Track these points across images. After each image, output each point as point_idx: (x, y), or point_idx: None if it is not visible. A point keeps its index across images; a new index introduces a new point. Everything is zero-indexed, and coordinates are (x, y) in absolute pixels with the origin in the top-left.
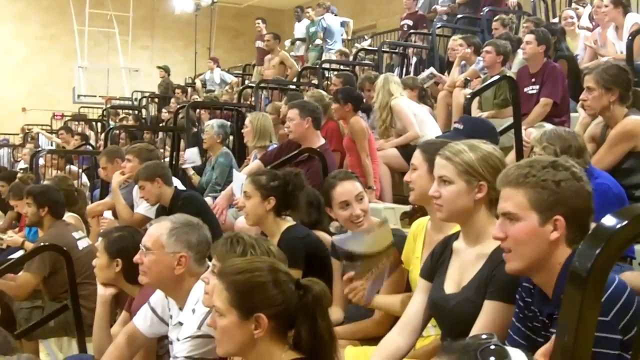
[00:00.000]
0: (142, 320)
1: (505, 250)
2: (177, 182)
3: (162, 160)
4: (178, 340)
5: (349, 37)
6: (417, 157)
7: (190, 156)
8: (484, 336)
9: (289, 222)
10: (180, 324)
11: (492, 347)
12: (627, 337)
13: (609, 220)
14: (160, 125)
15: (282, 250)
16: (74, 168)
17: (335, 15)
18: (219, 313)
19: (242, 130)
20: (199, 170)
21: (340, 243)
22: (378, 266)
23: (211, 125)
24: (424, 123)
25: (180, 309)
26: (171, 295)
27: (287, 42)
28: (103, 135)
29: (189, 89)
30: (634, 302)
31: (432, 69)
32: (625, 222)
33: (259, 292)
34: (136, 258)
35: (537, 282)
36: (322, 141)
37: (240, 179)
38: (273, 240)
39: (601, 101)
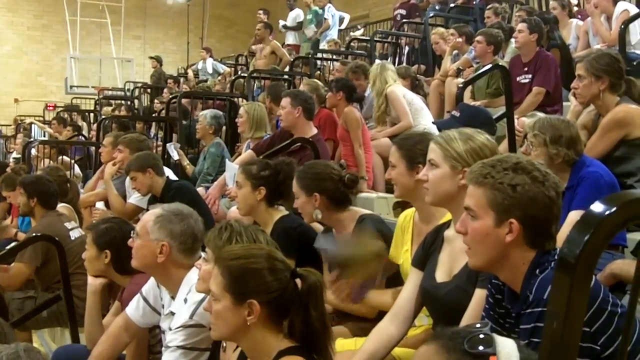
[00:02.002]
0: (135, 310)
1: (467, 247)
2: (169, 173)
3: (155, 151)
4: (170, 329)
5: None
6: (394, 154)
7: (169, 151)
8: (477, 325)
9: (281, 212)
10: (172, 313)
11: (481, 335)
12: (593, 329)
13: (597, 207)
14: (152, 115)
15: (275, 239)
16: (67, 159)
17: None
18: (214, 297)
19: (237, 120)
20: (193, 160)
21: (322, 246)
22: (367, 269)
23: (204, 116)
24: (418, 112)
25: (172, 298)
26: (162, 282)
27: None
28: (95, 125)
29: (181, 79)
30: (599, 293)
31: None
32: (614, 208)
33: (253, 279)
34: (129, 241)
35: (502, 279)
36: (314, 131)
37: (232, 169)
38: (266, 229)
39: (591, 89)
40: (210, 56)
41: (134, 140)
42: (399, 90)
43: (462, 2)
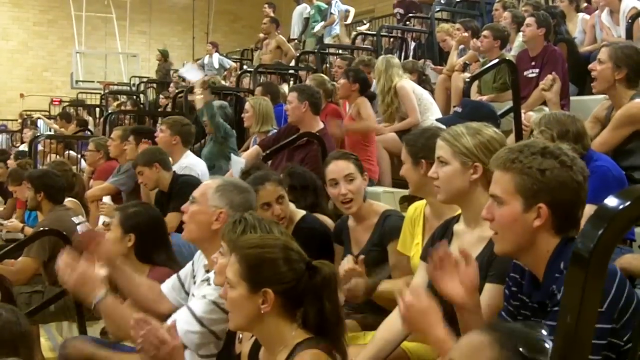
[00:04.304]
0: (169, 287)
1: (493, 232)
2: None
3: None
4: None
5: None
6: (403, 151)
7: (189, 70)
8: (531, 325)
9: (298, 210)
10: (209, 280)
11: (538, 340)
12: (619, 324)
13: (611, 201)
14: (159, 110)
15: (299, 239)
16: (73, 153)
17: None
18: (230, 285)
19: (243, 116)
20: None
21: None
22: None
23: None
24: (428, 108)
25: (208, 270)
26: (205, 251)
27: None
28: (101, 120)
29: None
30: (625, 288)
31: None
32: (628, 202)
33: (269, 268)
34: (183, 206)
35: (525, 264)
36: (321, 125)
37: (239, 163)
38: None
39: (607, 75)
40: (217, 51)
41: (177, 123)
42: (408, 85)
43: None
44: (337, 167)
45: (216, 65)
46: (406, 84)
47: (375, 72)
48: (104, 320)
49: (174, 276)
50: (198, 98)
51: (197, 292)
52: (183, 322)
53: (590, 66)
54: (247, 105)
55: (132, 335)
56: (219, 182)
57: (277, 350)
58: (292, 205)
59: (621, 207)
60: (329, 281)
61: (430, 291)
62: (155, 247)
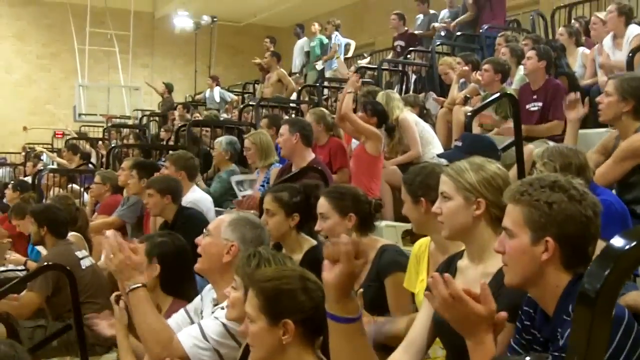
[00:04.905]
0: (177, 322)
1: (504, 264)
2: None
3: None
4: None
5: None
6: (403, 190)
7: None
8: (528, 358)
9: (310, 241)
10: (221, 307)
11: None
12: None
13: (617, 241)
14: (162, 143)
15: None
16: (76, 187)
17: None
18: (250, 319)
19: (245, 154)
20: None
21: None
22: None
23: (220, 142)
24: (429, 142)
25: (216, 304)
26: (217, 285)
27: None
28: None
29: (191, 107)
30: (632, 333)
31: None
32: (635, 242)
33: (287, 299)
34: (197, 239)
35: (535, 297)
36: (312, 156)
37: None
38: (294, 256)
39: (614, 108)
40: (217, 85)
41: (180, 158)
42: (410, 117)
43: (467, 29)
44: (320, 203)
45: (217, 99)
46: (408, 116)
47: None
48: (132, 313)
49: (182, 310)
50: None
51: (209, 313)
52: (192, 337)
53: (597, 99)
54: (247, 143)
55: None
56: (233, 217)
57: None
58: (304, 236)
59: (627, 247)
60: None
61: (437, 328)
62: (180, 278)
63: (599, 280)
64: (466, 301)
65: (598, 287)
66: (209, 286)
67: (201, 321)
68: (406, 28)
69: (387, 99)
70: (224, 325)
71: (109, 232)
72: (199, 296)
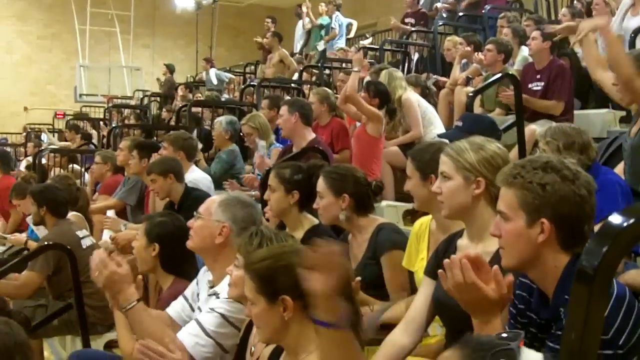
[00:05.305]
0: (177, 311)
1: (500, 247)
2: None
3: None
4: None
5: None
6: (409, 166)
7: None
8: (504, 335)
9: (311, 220)
10: (216, 294)
11: (506, 349)
12: (625, 349)
13: (616, 219)
14: (164, 123)
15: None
16: (77, 167)
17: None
18: (250, 302)
19: (246, 139)
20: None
21: None
22: None
23: (220, 122)
24: (431, 122)
25: (212, 287)
26: (212, 266)
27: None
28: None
29: (192, 87)
30: (633, 314)
31: None
32: (633, 220)
33: (282, 275)
34: (189, 222)
35: (533, 279)
36: (312, 135)
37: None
38: (295, 234)
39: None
40: (212, 66)
41: (178, 138)
42: (413, 97)
43: (470, 10)
44: (318, 182)
45: (214, 81)
46: (411, 96)
47: None
48: (132, 328)
49: (180, 298)
50: None
51: (205, 306)
52: (192, 336)
53: (613, 80)
54: (247, 129)
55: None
56: (222, 198)
57: (301, 357)
58: (308, 215)
59: (625, 224)
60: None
61: (437, 307)
62: (180, 257)
63: (597, 257)
64: (480, 287)
65: (596, 265)
66: (204, 268)
67: (198, 317)
68: (420, 7)
69: (389, 77)
70: (221, 315)
71: (110, 212)
72: (195, 280)
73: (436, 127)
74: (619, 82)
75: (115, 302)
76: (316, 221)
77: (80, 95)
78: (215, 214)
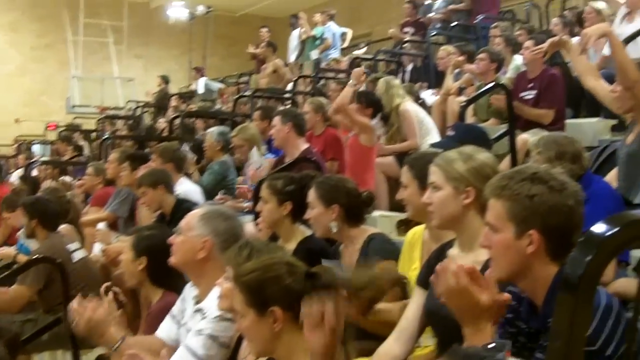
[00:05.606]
0: (168, 330)
1: (491, 259)
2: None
3: None
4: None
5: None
6: (406, 174)
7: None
8: (491, 345)
9: (304, 231)
10: (201, 311)
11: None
12: (615, 358)
13: (600, 227)
14: (156, 134)
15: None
16: (68, 179)
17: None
18: (240, 315)
19: (236, 151)
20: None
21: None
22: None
23: (211, 134)
24: (429, 132)
25: (198, 302)
26: (196, 281)
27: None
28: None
29: (186, 98)
30: (620, 323)
31: None
32: (617, 229)
33: (271, 286)
34: (170, 238)
35: (523, 290)
36: (306, 145)
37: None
38: (288, 245)
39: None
40: (202, 75)
41: (167, 150)
42: (412, 108)
43: (463, 21)
44: (309, 192)
45: (201, 91)
46: (410, 106)
47: (377, 93)
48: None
49: (167, 317)
50: None
51: (192, 325)
52: None
53: (612, 88)
54: (238, 141)
55: None
56: (203, 211)
57: None
58: (300, 227)
59: (609, 233)
60: (330, 286)
61: (428, 317)
62: (168, 270)
63: (581, 266)
64: (472, 293)
65: (580, 273)
66: (189, 284)
67: (187, 341)
68: (419, 16)
69: (387, 86)
70: (210, 336)
71: (101, 225)
72: (182, 296)
73: (433, 137)
74: (622, 88)
75: (102, 343)
76: (309, 232)
77: (73, 106)
78: (197, 228)
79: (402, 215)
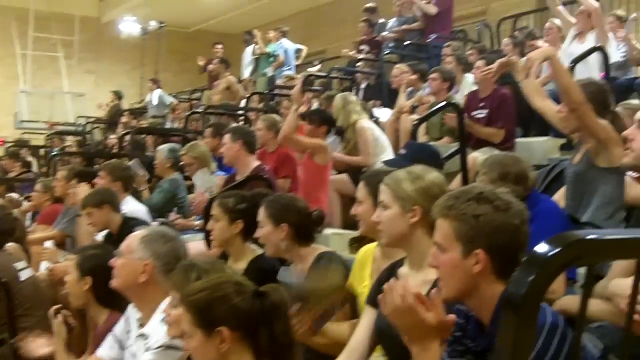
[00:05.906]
0: (108, 349)
1: (439, 279)
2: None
3: None
4: (147, 350)
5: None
6: (361, 191)
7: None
8: None
9: (255, 250)
10: (144, 336)
11: None
12: None
13: (542, 247)
14: (105, 151)
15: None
16: (15, 195)
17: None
18: (187, 335)
19: (186, 169)
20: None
21: (283, 279)
22: (327, 300)
23: (162, 151)
24: (384, 149)
25: (142, 325)
26: (138, 304)
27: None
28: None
29: (137, 114)
30: (567, 340)
31: None
32: (559, 249)
33: (218, 306)
34: (111, 261)
35: (471, 309)
36: (256, 163)
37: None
38: (238, 264)
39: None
40: (158, 87)
41: (116, 168)
42: (368, 126)
43: (416, 40)
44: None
45: (154, 102)
46: (366, 124)
47: (334, 109)
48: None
49: (109, 337)
50: None
51: (136, 349)
52: None
53: (558, 108)
54: (187, 159)
55: None
56: (144, 233)
57: None
58: (251, 245)
59: (551, 253)
60: (278, 305)
61: (378, 336)
62: (114, 291)
63: (524, 285)
64: (417, 311)
65: (523, 292)
66: (131, 305)
67: None
68: (375, 35)
69: (344, 102)
70: None
71: (48, 243)
72: (125, 316)
73: (388, 154)
74: (568, 109)
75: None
76: (260, 251)
77: (21, 121)
78: (137, 251)
79: (354, 233)
